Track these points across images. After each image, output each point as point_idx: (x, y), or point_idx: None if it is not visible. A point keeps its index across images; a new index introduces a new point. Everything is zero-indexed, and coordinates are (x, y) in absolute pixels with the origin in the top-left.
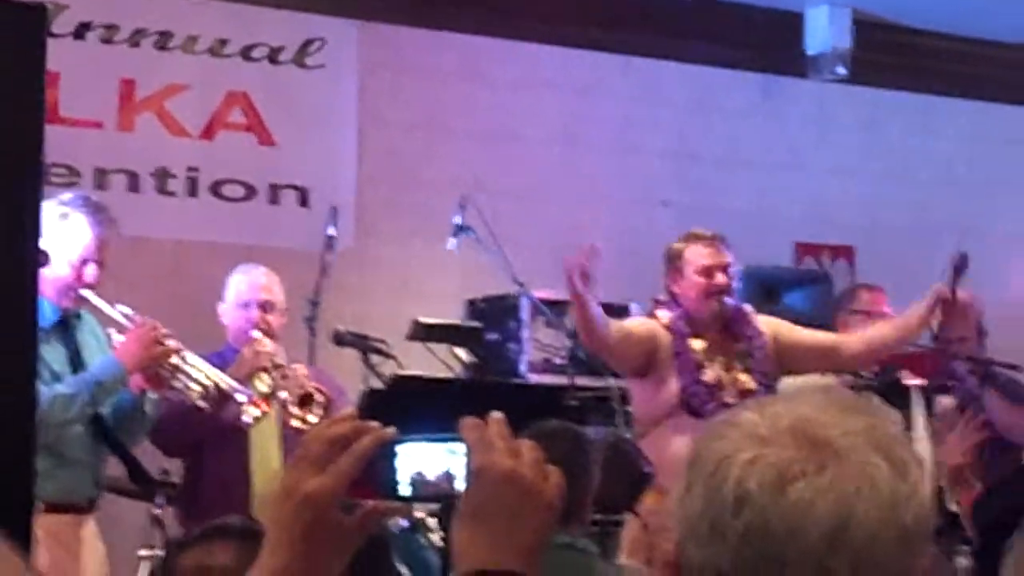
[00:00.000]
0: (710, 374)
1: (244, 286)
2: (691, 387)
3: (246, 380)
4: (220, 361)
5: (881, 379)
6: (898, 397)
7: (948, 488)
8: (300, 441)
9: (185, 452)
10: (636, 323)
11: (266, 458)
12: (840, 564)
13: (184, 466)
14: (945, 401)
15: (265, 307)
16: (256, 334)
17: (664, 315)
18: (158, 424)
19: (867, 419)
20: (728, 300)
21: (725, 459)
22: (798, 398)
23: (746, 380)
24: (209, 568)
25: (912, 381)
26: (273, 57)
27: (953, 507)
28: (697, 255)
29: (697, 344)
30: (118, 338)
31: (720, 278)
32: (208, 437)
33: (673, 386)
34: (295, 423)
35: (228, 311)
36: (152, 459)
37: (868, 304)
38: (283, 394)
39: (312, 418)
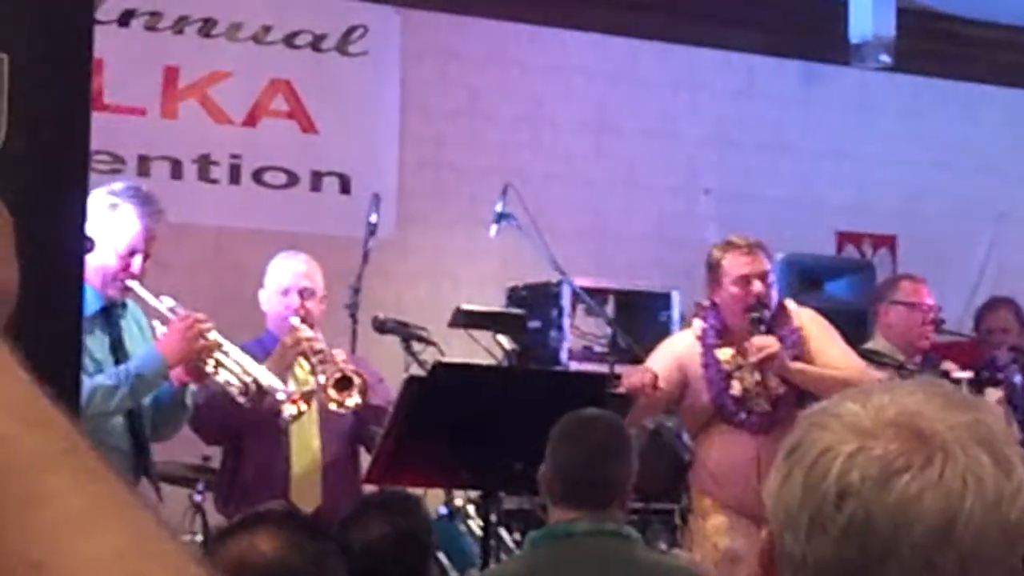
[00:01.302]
0: (736, 386)
1: (284, 273)
2: (719, 399)
3: (287, 368)
4: (260, 348)
5: (929, 372)
6: None
7: None
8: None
9: (224, 440)
10: (664, 369)
11: (305, 443)
12: (947, 561)
13: (223, 452)
14: (995, 394)
15: (304, 294)
16: (295, 321)
17: (698, 325)
18: (198, 412)
19: (972, 414)
20: (766, 313)
21: (827, 450)
22: (900, 390)
23: (776, 384)
24: (252, 556)
25: (960, 374)
26: (316, 44)
27: None
28: (735, 265)
29: (725, 354)
30: (161, 330)
31: (757, 286)
32: (248, 423)
33: (706, 396)
34: (332, 406)
35: (268, 298)
36: (193, 446)
37: (910, 295)
38: (321, 378)
39: (350, 401)
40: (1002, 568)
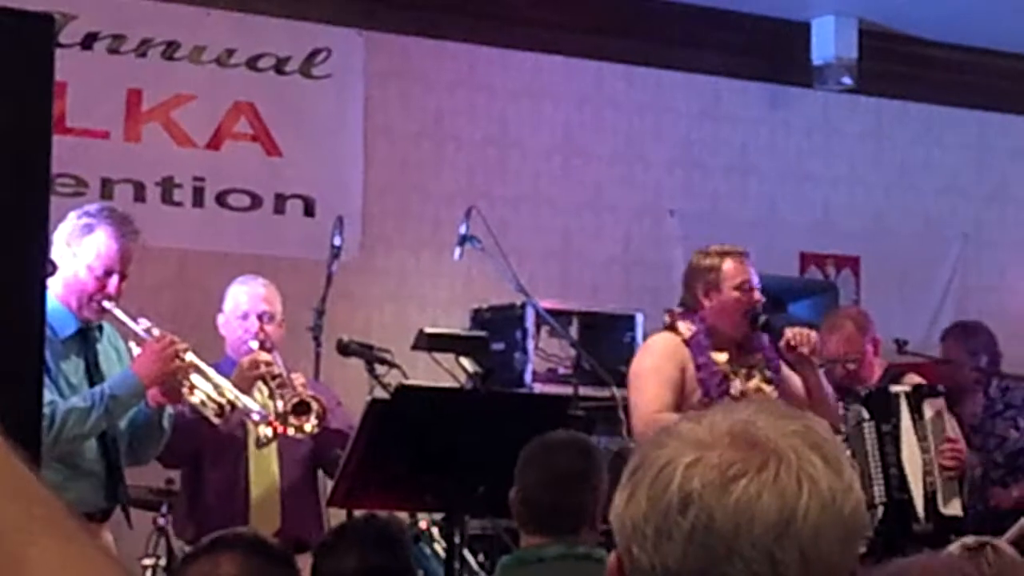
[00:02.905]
0: (738, 385)
1: (243, 297)
2: (719, 400)
3: (244, 391)
4: (218, 372)
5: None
6: (885, 404)
7: (942, 492)
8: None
9: (184, 463)
10: (669, 377)
11: (263, 467)
12: (788, 554)
13: (183, 476)
14: (937, 404)
15: (264, 318)
16: (254, 345)
17: (685, 328)
18: None
19: (801, 422)
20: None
21: (667, 464)
22: (732, 408)
23: (769, 390)
24: None
25: (898, 388)
26: (279, 67)
27: (948, 510)
28: (736, 270)
29: (721, 357)
30: (137, 351)
31: (757, 295)
32: (207, 447)
33: (695, 399)
34: (290, 431)
35: (227, 322)
36: (157, 469)
37: (831, 351)
38: (279, 403)
39: (307, 426)
40: (840, 562)
